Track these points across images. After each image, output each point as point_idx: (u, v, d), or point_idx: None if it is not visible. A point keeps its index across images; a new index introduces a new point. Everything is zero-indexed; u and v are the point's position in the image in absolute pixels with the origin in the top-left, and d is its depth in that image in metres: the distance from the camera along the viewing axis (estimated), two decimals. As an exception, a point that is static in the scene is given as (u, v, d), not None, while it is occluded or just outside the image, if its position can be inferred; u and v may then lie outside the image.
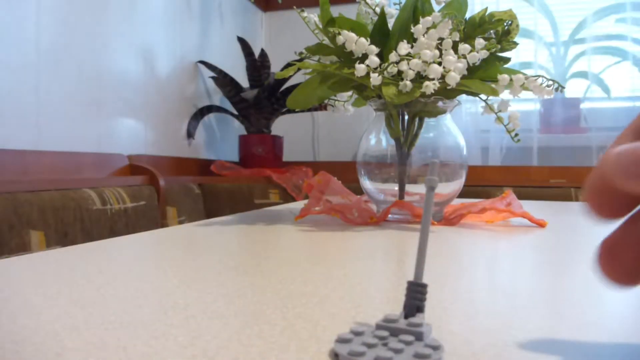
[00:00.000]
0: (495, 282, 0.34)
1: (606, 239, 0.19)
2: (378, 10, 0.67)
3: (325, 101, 0.73)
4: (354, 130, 1.97)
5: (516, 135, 0.61)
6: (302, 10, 0.64)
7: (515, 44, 0.63)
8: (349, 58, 0.62)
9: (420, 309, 0.20)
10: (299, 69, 0.65)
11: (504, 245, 0.50)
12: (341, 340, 0.19)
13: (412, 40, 0.60)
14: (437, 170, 0.21)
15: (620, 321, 0.20)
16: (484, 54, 0.59)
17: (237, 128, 1.98)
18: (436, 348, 0.18)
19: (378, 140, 0.70)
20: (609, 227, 0.18)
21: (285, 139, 1.89)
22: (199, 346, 0.19)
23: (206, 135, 1.86)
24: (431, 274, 0.33)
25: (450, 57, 0.57)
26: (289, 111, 1.83)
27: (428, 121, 0.67)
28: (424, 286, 0.20)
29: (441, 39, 0.58)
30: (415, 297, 0.21)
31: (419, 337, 0.19)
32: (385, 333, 0.19)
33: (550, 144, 1.77)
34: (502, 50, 0.62)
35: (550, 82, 0.60)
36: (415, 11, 0.63)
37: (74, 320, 0.22)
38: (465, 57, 0.58)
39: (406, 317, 0.20)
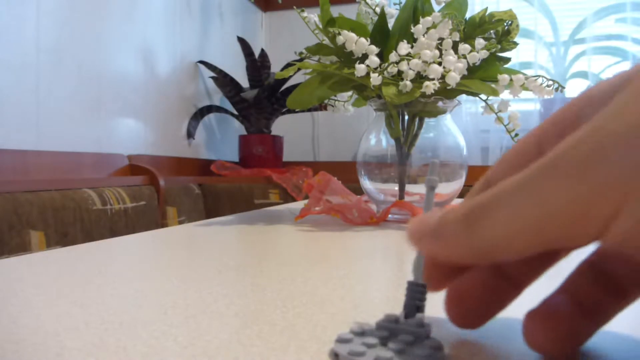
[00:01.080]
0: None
1: (452, 286, 0.21)
2: (378, 10, 0.67)
3: (325, 101, 0.73)
4: (354, 130, 1.97)
5: (516, 135, 0.61)
6: (302, 10, 0.64)
7: (515, 44, 0.63)
8: (349, 58, 0.62)
9: (420, 309, 0.21)
10: (299, 69, 0.65)
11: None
12: (341, 340, 0.19)
13: (412, 40, 0.60)
14: (438, 170, 0.21)
15: (620, 321, 0.20)
16: (484, 54, 0.59)
17: (237, 128, 1.98)
18: (437, 348, 0.19)
19: (378, 140, 0.70)
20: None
21: (285, 139, 1.90)
22: (199, 346, 0.19)
23: (206, 135, 1.86)
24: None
25: (450, 57, 0.57)
26: (289, 111, 1.83)
27: (428, 121, 0.67)
28: (424, 286, 0.21)
29: (441, 39, 0.58)
30: (415, 297, 0.21)
31: (419, 337, 0.19)
32: (385, 333, 0.19)
33: (550, 144, 1.77)
34: (502, 50, 0.62)
35: (550, 82, 0.60)
36: (415, 11, 0.63)
37: (74, 320, 0.22)
38: (465, 57, 0.58)
39: (406, 317, 0.20)
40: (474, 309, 0.21)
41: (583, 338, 0.19)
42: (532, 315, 0.19)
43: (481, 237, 0.16)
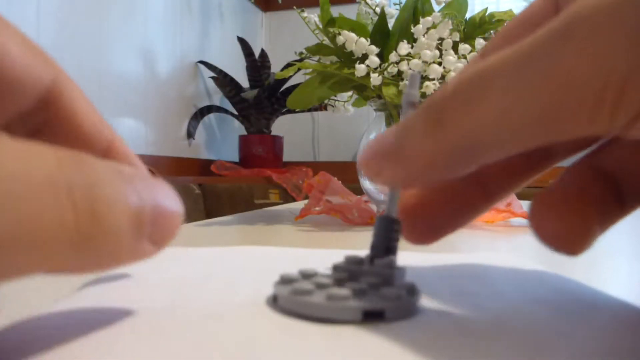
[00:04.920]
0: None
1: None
2: (378, 10, 0.67)
3: (325, 101, 0.73)
4: (354, 130, 1.97)
5: (516, 135, 0.61)
6: (302, 10, 0.64)
7: (516, 44, 0.63)
8: (349, 58, 0.62)
9: (391, 250, 0.17)
10: (299, 69, 0.65)
11: (504, 246, 0.50)
12: (284, 281, 0.15)
13: (412, 40, 0.60)
14: (418, 83, 0.17)
15: (617, 321, 0.20)
16: (484, 54, 0.59)
17: (237, 128, 1.98)
18: (410, 290, 0.15)
19: (378, 140, 0.70)
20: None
21: (285, 139, 1.89)
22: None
23: (206, 135, 1.86)
24: (430, 274, 0.33)
25: (450, 57, 0.57)
26: (289, 111, 1.83)
27: (428, 121, 0.67)
28: (397, 222, 0.17)
29: (441, 39, 0.58)
30: (386, 235, 0.17)
31: (388, 279, 0.16)
32: (343, 275, 0.16)
33: (550, 144, 1.77)
34: (502, 50, 0.62)
35: (551, 82, 0.60)
36: (415, 11, 0.63)
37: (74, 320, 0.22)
38: (465, 58, 0.58)
39: (372, 259, 0.17)
40: (434, 217, 0.17)
41: (592, 233, 0.16)
42: (542, 200, 0.16)
43: (458, 134, 0.12)
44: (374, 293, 0.14)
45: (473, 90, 0.11)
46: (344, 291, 0.13)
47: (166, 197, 0.12)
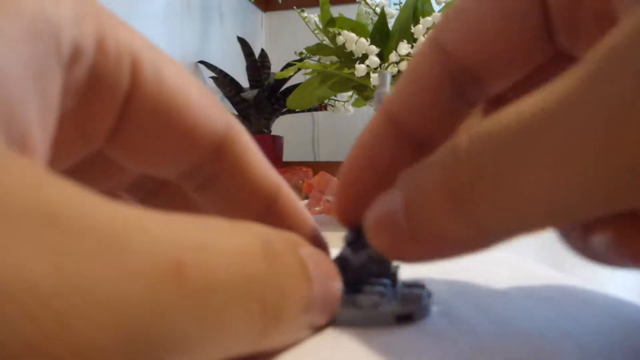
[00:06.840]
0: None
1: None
2: (378, 10, 0.67)
3: (325, 101, 0.73)
4: (354, 130, 1.97)
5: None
6: (302, 10, 0.64)
7: (515, 44, 0.63)
8: (349, 58, 0.62)
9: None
10: (299, 69, 0.65)
11: (504, 246, 0.50)
12: None
13: (412, 40, 0.61)
14: (389, 82, 0.16)
15: (620, 321, 0.20)
16: (484, 54, 0.59)
17: (237, 128, 1.99)
18: (427, 291, 0.15)
19: (378, 140, 0.70)
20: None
21: (285, 139, 1.89)
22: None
23: (206, 135, 1.87)
24: (431, 274, 0.33)
25: (450, 57, 0.57)
26: (289, 111, 1.83)
27: (428, 121, 0.67)
28: None
29: (441, 39, 0.58)
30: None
31: (391, 276, 0.15)
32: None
33: (550, 144, 1.77)
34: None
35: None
36: (415, 11, 0.63)
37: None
38: (465, 57, 0.58)
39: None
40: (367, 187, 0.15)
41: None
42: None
43: (490, 222, 0.10)
44: (397, 295, 0.14)
45: (510, 155, 0.09)
46: (371, 298, 0.13)
47: (331, 278, 0.12)
